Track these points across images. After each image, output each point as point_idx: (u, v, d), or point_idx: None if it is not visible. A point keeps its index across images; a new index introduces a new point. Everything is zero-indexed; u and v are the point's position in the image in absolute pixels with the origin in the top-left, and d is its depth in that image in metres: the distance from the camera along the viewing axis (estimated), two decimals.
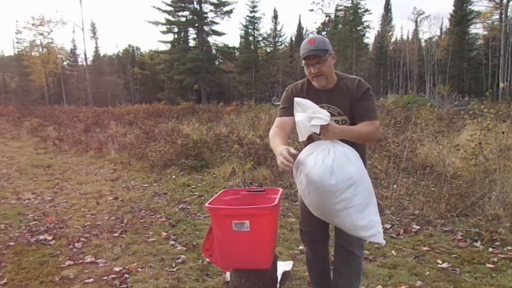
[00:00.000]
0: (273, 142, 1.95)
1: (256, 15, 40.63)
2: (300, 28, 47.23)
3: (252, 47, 41.32)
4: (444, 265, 2.82)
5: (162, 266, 2.94)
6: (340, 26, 36.11)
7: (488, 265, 2.79)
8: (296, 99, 1.82)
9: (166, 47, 41.21)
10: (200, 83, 36.77)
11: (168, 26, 39.19)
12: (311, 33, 46.92)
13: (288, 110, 1.99)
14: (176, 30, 40.23)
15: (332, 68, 1.95)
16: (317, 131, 1.70)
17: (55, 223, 4.00)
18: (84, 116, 13.63)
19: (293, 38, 47.98)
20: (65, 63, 49.61)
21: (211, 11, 38.41)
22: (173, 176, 6.20)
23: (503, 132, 4.51)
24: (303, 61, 1.94)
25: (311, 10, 53.30)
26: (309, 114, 1.70)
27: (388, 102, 13.31)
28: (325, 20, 41.07)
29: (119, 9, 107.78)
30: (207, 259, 2.59)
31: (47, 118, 15.80)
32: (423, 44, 43.07)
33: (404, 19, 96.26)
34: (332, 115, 1.92)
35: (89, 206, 4.68)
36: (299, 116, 1.73)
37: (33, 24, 39.62)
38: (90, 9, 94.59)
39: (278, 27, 44.27)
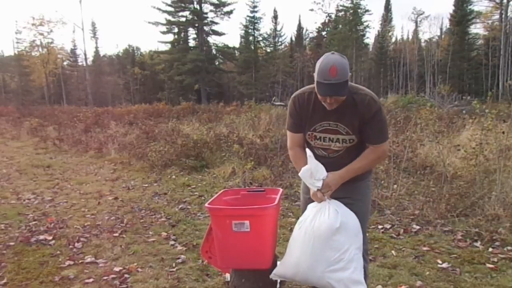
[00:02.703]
0: (302, 166, 1.98)
1: (257, 15, 40.64)
2: (300, 28, 47.18)
3: (252, 47, 41.26)
4: (444, 265, 2.82)
5: (162, 266, 2.94)
6: (340, 26, 36.08)
7: (488, 265, 2.79)
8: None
9: (166, 47, 41.24)
10: (200, 83, 36.77)
11: (168, 26, 39.19)
12: (310, 33, 46.90)
13: (297, 126, 2.00)
14: (176, 30, 40.23)
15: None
16: (320, 186, 1.89)
17: (55, 223, 4.00)
18: (84, 116, 13.62)
19: (293, 38, 47.96)
20: (65, 63, 49.56)
21: (211, 11, 38.43)
22: (173, 176, 6.20)
23: (503, 132, 4.51)
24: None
25: (312, 10, 53.38)
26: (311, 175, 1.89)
27: (388, 102, 13.29)
28: (325, 20, 41.12)
29: (119, 9, 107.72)
30: (206, 261, 2.58)
31: (47, 118, 15.80)
32: (423, 44, 43.04)
33: (404, 19, 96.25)
34: (339, 133, 1.89)
35: (89, 206, 4.68)
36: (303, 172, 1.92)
37: (33, 24, 39.60)
38: (90, 9, 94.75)
39: (278, 27, 44.24)
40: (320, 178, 1.88)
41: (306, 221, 1.92)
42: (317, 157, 1.95)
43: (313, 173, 1.88)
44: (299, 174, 1.93)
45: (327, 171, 1.90)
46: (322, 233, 1.84)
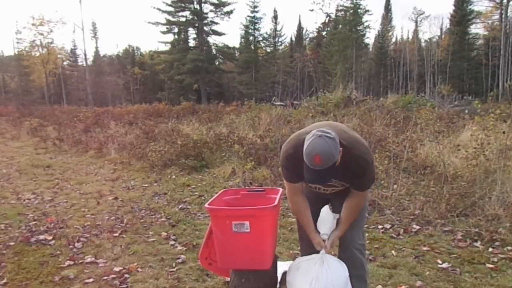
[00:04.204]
0: (303, 218, 2.08)
1: (257, 15, 40.62)
2: (300, 28, 47.16)
3: (252, 47, 41.24)
4: (444, 265, 2.82)
5: (162, 266, 2.94)
6: (340, 26, 36.04)
7: (488, 265, 2.79)
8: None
9: (166, 47, 41.22)
10: (200, 83, 36.75)
11: (168, 27, 39.15)
12: (310, 33, 46.81)
13: (294, 176, 1.97)
14: (176, 30, 40.20)
15: (338, 160, 1.76)
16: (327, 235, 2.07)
17: (55, 223, 4.00)
18: (84, 116, 13.60)
19: (293, 38, 47.97)
20: (65, 63, 49.51)
21: (211, 11, 38.38)
22: (173, 176, 6.20)
23: (503, 132, 4.51)
24: None
25: (312, 10, 53.35)
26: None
27: (388, 102, 13.26)
28: (325, 20, 41.10)
29: (119, 9, 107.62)
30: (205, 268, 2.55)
31: (47, 118, 15.78)
32: (423, 44, 42.97)
33: (404, 19, 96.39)
34: (334, 186, 1.98)
35: (89, 206, 4.68)
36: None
37: (33, 24, 39.44)
38: (90, 9, 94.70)
39: (278, 27, 44.21)
40: (328, 232, 2.04)
41: (320, 280, 1.93)
42: (317, 193, 2.09)
43: (324, 224, 2.05)
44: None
45: (329, 201, 2.12)
46: (341, 285, 1.94)
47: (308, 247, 2.15)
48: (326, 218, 2.06)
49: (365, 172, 1.89)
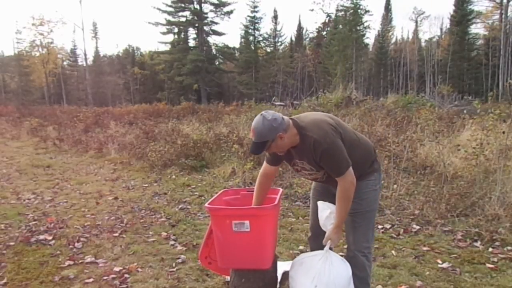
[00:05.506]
0: (255, 191, 2.24)
1: (257, 15, 40.63)
2: (300, 28, 47.15)
3: (253, 47, 41.24)
4: (444, 265, 2.82)
5: (162, 266, 2.94)
6: (340, 26, 36.04)
7: (488, 265, 2.79)
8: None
9: (166, 47, 41.21)
10: (200, 83, 36.76)
11: (168, 27, 39.18)
12: (310, 33, 46.83)
13: (269, 160, 2.17)
14: (176, 30, 40.21)
15: (285, 143, 1.93)
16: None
17: (55, 223, 4.00)
18: (84, 116, 13.60)
19: (293, 38, 47.98)
20: (65, 63, 49.54)
21: (211, 11, 38.40)
22: (173, 176, 6.20)
23: (503, 132, 4.51)
24: None
25: (312, 10, 53.44)
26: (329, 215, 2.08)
27: (388, 102, 13.27)
28: (325, 20, 41.12)
29: (119, 9, 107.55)
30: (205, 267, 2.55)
31: (47, 118, 15.78)
32: (423, 44, 42.99)
33: (404, 19, 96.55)
34: (311, 170, 2.02)
35: (89, 206, 4.68)
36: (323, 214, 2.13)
37: (33, 24, 39.51)
38: (90, 9, 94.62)
39: (278, 27, 44.22)
40: (329, 226, 2.07)
41: (322, 276, 1.93)
42: (324, 186, 2.18)
43: (323, 220, 2.10)
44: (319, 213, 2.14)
45: (325, 189, 2.17)
46: (343, 283, 1.94)
47: (316, 248, 2.17)
48: (324, 213, 2.08)
49: (321, 154, 1.89)
